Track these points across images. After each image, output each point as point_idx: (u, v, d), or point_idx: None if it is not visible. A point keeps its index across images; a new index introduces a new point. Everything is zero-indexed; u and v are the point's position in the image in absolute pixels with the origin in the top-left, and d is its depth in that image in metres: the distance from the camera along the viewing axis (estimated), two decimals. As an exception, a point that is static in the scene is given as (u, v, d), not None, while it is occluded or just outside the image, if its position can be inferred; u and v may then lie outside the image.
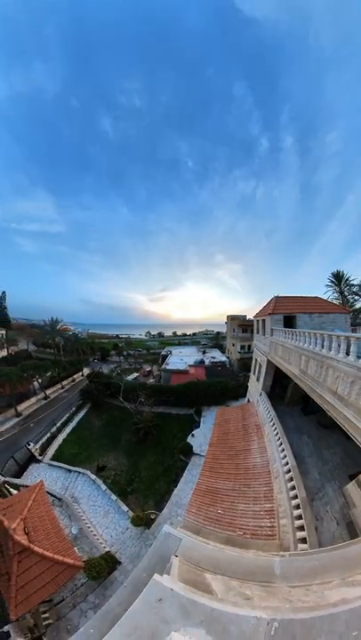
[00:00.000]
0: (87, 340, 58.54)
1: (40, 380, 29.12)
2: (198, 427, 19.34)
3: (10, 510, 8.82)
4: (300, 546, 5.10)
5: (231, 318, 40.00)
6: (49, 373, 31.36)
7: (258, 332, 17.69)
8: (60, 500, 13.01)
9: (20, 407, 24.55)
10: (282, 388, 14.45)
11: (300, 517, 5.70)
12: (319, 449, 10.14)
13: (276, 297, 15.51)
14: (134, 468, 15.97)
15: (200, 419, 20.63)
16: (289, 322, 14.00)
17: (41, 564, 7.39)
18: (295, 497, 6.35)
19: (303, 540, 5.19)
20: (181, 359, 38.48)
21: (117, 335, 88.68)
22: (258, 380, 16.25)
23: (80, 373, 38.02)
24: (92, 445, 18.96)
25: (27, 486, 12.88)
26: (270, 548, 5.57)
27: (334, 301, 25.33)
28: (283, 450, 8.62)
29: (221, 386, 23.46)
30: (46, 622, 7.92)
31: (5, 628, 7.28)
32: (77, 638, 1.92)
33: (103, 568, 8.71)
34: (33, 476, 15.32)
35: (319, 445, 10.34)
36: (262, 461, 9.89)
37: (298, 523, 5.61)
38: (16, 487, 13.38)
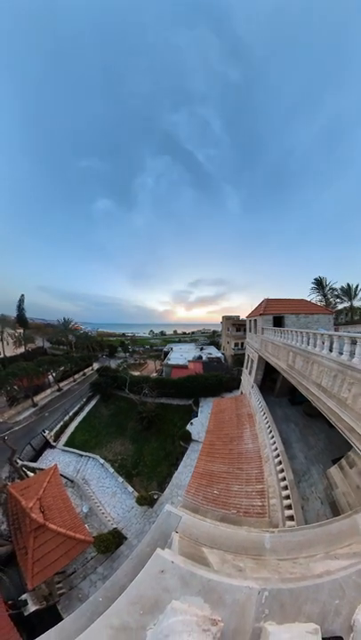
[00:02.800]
0: (96, 338, 58.40)
1: (54, 374, 29.12)
2: (196, 416, 19.32)
3: (27, 491, 8.86)
4: (288, 523, 5.08)
5: (226, 318, 40.02)
6: (62, 368, 31.34)
7: (250, 331, 17.67)
8: (72, 481, 13.00)
9: (37, 398, 24.53)
10: (271, 381, 14.42)
11: (287, 497, 5.68)
12: (305, 436, 10.13)
13: (267, 299, 15.54)
14: (139, 453, 15.92)
15: (198, 409, 20.60)
16: (278, 322, 14.02)
17: (55, 540, 7.42)
18: (283, 479, 6.33)
19: (291, 518, 5.17)
20: (181, 355, 38.49)
21: (124, 334, 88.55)
22: (250, 373, 16.21)
23: (90, 368, 37.94)
24: (101, 433, 18.90)
25: (42, 469, 12.87)
26: (261, 524, 5.55)
27: (318, 303, 25.41)
28: (272, 437, 8.60)
29: (217, 379, 23.40)
30: (60, 591, 7.95)
31: (23, 597, 7.30)
32: (87, 606, 1.92)
33: (111, 543, 8.72)
34: (48, 460, 15.34)
35: (305, 433, 10.33)
36: (254, 447, 9.86)
37: (286, 502, 5.59)
38: (32, 470, 13.39)
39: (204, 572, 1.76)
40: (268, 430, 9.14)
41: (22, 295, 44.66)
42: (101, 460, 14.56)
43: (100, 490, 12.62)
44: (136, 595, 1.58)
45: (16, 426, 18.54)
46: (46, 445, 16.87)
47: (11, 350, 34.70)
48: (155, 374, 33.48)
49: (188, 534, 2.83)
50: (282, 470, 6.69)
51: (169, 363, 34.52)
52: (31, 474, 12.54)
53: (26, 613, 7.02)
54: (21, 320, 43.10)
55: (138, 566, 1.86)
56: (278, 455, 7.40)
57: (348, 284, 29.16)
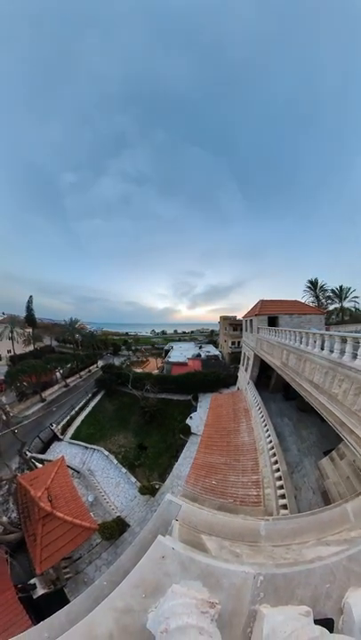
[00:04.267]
0: (101, 337, 58.32)
1: (61, 371, 28.98)
2: (195, 410, 19.25)
3: (36, 481, 8.84)
4: (282, 511, 5.08)
5: (223, 318, 39.92)
6: (69, 365, 31.17)
7: (246, 330, 17.62)
8: (78, 472, 12.98)
9: (45, 394, 24.46)
10: (266, 378, 14.40)
11: (281, 487, 5.68)
12: (298, 429, 10.12)
13: (262, 300, 15.54)
14: (141, 446, 15.86)
15: (197, 404, 20.54)
16: (272, 321, 14.01)
17: (62, 527, 7.43)
18: (277, 470, 6.33)
19: (284, 507, 5.17)
20: (181, 353, 38.36)
21: (127, 333, 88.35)
22: (246, 370, 16.15)
23: (95, 365, 37.89)
24: (105, 426, 18.84)
25: (50, 461, 12.85)
26: (256, 513, 5.55)
27: (311, 304, 25.46)
28: (267, 430, 8.59)
29: (215, 376, 23.33)
30: (67, 576, 7.95)
31: (32, 581, 7.30)
32: (93, 589, 1.92)
33: (115, 530, 8.71)
34: (55, 452, 15.33)
35: (298, 426, 10.32)
36: (250, 440, 9.83)
37: (280, 492, 5.59)
38: (41, 462, 13.39)
39: (202, 557, 1.73)
40: (263, 424, 9.13)
41: (31, 296, 44.69)
42: (106, 452, 14.54)
43: (105, 480, 12.60)
44: (139, 579, 1.58)
45: (25, 420, 18.45)
46: (54, 438, 16.89)
47: (20, 348, 34.42)
48: (156, 371, 33.17)
49: (188, 522, 2.83)
50: (276, 462, 6.69)
51: (170, 360, 34.37)
52: (40, 465, 12.52)
53: (35, 596, 7.03)
54: (30, 320, 43.01)
55: (140, 552, 1.84)
56: (273, 447, 7.40)
57: (341, 286, 29.25)
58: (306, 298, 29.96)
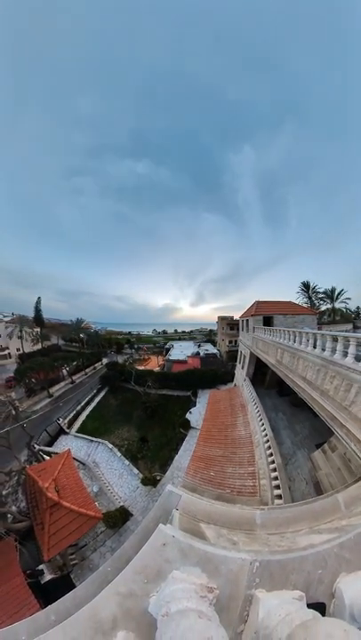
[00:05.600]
0: (105, 336, 58.28)
1: (68, 368, 28.98)
2: (195, 406, 19.20)
3: (43, 473, 8.85)
4: (277, 501, 5.06)
5: (221, 318, 39.82)
6: (75, 363, 31.18)
7: (243, 330, 17.57)
8: (83, 464, 12.98)
9: (52, 390, 24.44)
10: (262, 375, 14.38)
11: (276, 478, 5.66)
12: (292, 423, 10.10)
13: (257, 301, 15.54)
14: (143, 440, 15.80)
15: (196, 399, 20.48)
16: (267, 321, 14.00)
17: (68, 516, 7.44)
18: (272, 462, 6.31)
19: (279, 497, 5.15)
20: (181, 351, 38.26)
21: (130, 332, 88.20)
22: (243, 368, 16.07)
23: (100, 363, 37.72)
24: (109, 421, 18.76)
25: (57, 453, 12.77)
26: (252, 503, 5.54)
27: (304, 305, 25.48)
28: (262, 424, 8.55)
29: (213, 373, 23.31)
30: (73, 562, 7.94)
31: (40, 567, 7.30)
32: (97, 575, 1.92)
33: (118, 519, 8.68)
34: (62, 445, 15.29)
35: (292, 420, 10.30)
36: (246, 433, 9.81)
37: (275, 483, 5.58)
38: (48, 454, 13.34)
39: (201, 544, 1.72)
40: (259, 419, 9.10)
41: (39, 297, 44.71)
42: (110, 445, 14.49)
43: (109, 471, 12.54)
44: (141, 565, 1.56)
45: (34, 414, 18.37)
46: (60, 432, 16.89)
47: (29, 347, 34.66)
48: (157, 369, 33.10)
49: (188, 511, 2.83)
50: (271, 454, 6.67)
51: (170, 358, 34.38)
52: (47, 457, 12.49)
53: (42, 582, 7.03)
54: (38, 320, 43.05)
55: (142, 540, 1.78)
56: (268, 441, 7.38)
57: (333, 288, 29.33)
58: (299, 299, 30.11)
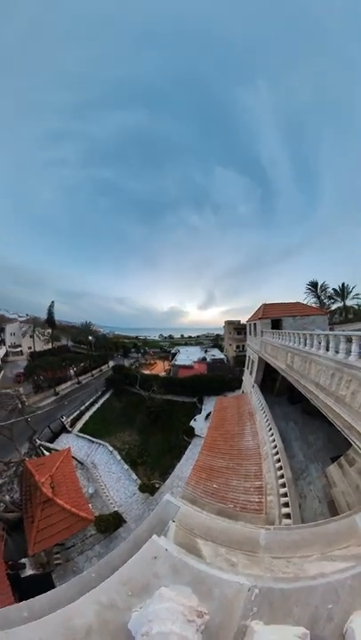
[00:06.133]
0: (113, 340, 59.41)
1: (75, 369, 29.72)
2: (200, 413, 18.74)
3: (41, 467, 8.89)
4: (285, 521, 4.62)
5: (228, 323, 39.28)
6: (82, 364, 31.96)
7: (250, 334, 17.11)
8: (82, 464, 12.95)
9: (58, 388, 25.05)
10: (271, 381, 13.75)
11: (285, 495, 5.20)
12: (304, 434, 9.42)
13: (264, 304, 15.10)
14: (145, 445, 15.59)
15: (202, 406, 20.02)
16: (276, 324, 13.54)
17: (60, 514, 7.34)
18: (282, 476, 5.84)
19: (287, 516, 4.70)
20: (187, 357, 38.03)
21: (137, 336, 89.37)
22: (251, 374, 15.55)
23: (106, 365, 38.29)
24: (112, 423, 18.79)
25: (57, 450, 12.90)
26: (257, 521, 5.11)
27: (313, 305, 24.39)
28: (272, 434, 8.06)
29: (220, 379, 22.84)
30: (57, 562, 7.78)
31: (23, 560, 7.22)
32: (80, 579, 1.83)
33: (110, 524, 8.45)
34: (63, 442, 15.45)
35: (304, 431, 9.61)
36: (254, 444, 9.31)
37: (283, 500, 5.12)
38: (48, 450, 13.45)
39: (195, 562, 1.57)
40: (268, 428, 8.60)
41: (52, 302, 47.08)
42: (110, 448, 14.41)
43: (107, 474, 12.43)
44: (127, 576, 1.47)
45: (39, 410, 18.98)
46: (63, 430, 17.11)
47: (40, 346, 36.48)
48: (163, 373, 33.05)
49: (185, 524, 2.66)
50: (280, 468, 6.19)
51: (176, 363, 34.45)
52: (47, 453, 12.61)
53: (22, 575, 6.90)
54: (50, 322, 45.08)
55: (133, 549, 1.72)
56: (277, 453, 6.89)
57: (343, 284, 27.78)
58: (308, 299, 28.81)
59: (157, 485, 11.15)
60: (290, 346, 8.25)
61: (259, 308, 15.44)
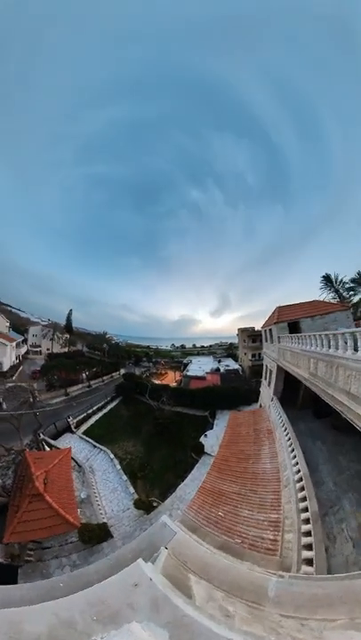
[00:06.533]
0: (125, 348, 61.36)
1: (87, 373, 31.00)
2: (211, 428, 17.40)
3: (39, 461, 8.97)
4: (305, 568, 3.47)
5: (242, 330, 37.70)
6: (94, 369, 33.29)
7: (266, 341, 15.93)
8: (80, 466, 12.75)
9: (70, 389, 26.21)
10: (293, 392, 12.11)
11: (308, 534, 4.00)
12: (335, 455, 7.67)
13: (278, 307, 14.14)
14: (148, 457, 14.72)
15: (214, 421, 18.64)
16: (294, 327, 12.38)
17: (46, 511, 7.25)
18: (305, 509, 4.61)
19: (309, 562, 3.54)
20: (200, 367, 36.87)
21: (149, 346, 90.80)
22: (269, 385, 14.08)
23: (117, 372, 39.03)
24: (117, 430, 18.47)
25: (58, 448, 13.03)
26: (269, 564, 3.96)
27: (332, 301, 21.68)
28: (294, 456, 6.78)
29: (235, 391, 21.25)
30: (28, 558, 7.44)
31: None
32: (46, 584, 1.63)
33: (95, 535, 7.90)
34: (65, 442, 15.56)
35: (334, 451, 7.85)
36: (272, 467, 7.92)
37: (305, 540, 3.92)
38: (50, 446, 13.67)
39: (181, 602, 1.33)
40: (290, 449, 7.35)
41: (70, 310, 51.96)
42: (111, 455, 13.98)
43: (103, 482, 11.94)
44: (98, 598, 1.30)
45: (48, 407, 19.73)
46: (67, 429, 17.35)
47: (58, 349, 39.88)
48: (174, 384, 32.44)
49: (178, 554, 2.23)
50: (304, 498, 4.95)
51: (188, 374, 33.51)
52: (47, 449, 12.81)
53: None
54: (68, 328, 49.32)
55: (113, 569, 1.60)
56: (301, 479, 5.64)
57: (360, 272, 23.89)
58: (324, 296, 25.60)
59: (155, 504, 10.12)
60: (311, 350, 7.35)
61: (273, 312, 14.55)
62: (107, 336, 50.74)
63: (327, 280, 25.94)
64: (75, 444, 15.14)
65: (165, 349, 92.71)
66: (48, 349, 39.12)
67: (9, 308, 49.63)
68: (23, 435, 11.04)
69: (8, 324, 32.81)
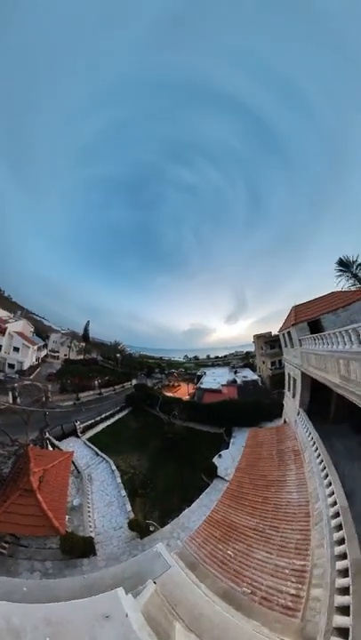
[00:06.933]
0: (138, 359, 62.33)
1: (100, 381, 31.88)
2: (227, 447, 15.41)
3: (40, 458, 9.24)
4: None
5: (258, 337, 35.00)
6: (107, 377, 34.17)
7: (286, 346, 14.41)
8: (79, 472, 12.45)
9: (81, 395, 27.17)
10: (324, 403, 10.08)
11: (345, 591, 2.61)
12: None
13: (295, 306, 12.86)
14: (152, 474, 13.47)
15: (230, 439, 16.58)
16: (315, 327, 10.99)
17: (33, 509, 7.18)
18: (343, 556, 3.20)
19: (343, 633, 2.19)
20: (215, 379, 34.85)
21: (161, 357, 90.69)
22: (294, 396, 12.20)
23: (129, 382, 39.12)
24: (122, 441, 17.75)
25: (61, 450, 13.22)
26: (285, 628, 2.64)
27: (352, 288, 18.38)
28: (329, 483, 5.28)
29: (254, 405, 19.03)
30: (1, 550, 7.26)
31: None
32: (7, 582, 1.48)
33: (77, 548, 7.41)
34: (69, 445, 15.68)
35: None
36: (300, 498, 6.35)
37: (340, 600, 2.55)
38: (53, 446, 14.03)
39: None
40: (324, 474, 5.89)
41: (88, 321, 57.23)
42: (113, 467, 13.25)
43: (99, 493, 11.26)
44: (59, 618, 1.20)
45: (58, 408, 20.43)
46: (73, 433, 17.54)
47: (74, 356, 43.34)
48: (187, 397, 31.00)
49: (168, 593, 1.93)
50: (342, 540, 3.52)
51: (202, 386, 32.16)
52: (51, 448, 13.11)
53: None
54: (85, 337, 53.52)
55: (86, 591, 1.55)
56: (338, 514, 4.17)
57: None
58: (342, 283, 21.96)
59: (152, 528, 8.92)
60: (340, 350, 6.23)
61: (289, 313, 13.39)
62: (120, 346, 52.66)
63: (342, 265, 22.88)
64: (78, 449, 15.04)
65: (178, 361, 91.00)
66: (65, 355, 42.17)
67: (34, 316, 56.26)
68: (30, 430, 11.51)
69: (32, 330, 36.76)
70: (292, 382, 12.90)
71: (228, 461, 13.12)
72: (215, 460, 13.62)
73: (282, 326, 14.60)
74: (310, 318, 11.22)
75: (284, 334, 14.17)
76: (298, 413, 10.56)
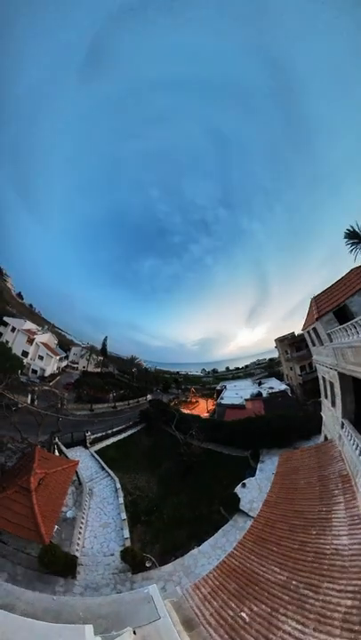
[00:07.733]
0: (154, 374, 62.74)
1: (115, 394, 32.71)
2: (253, 475, 13.23)
3: (45, 461, 9.60)
4: None
5: (280, 340, 31.83)
6: (122, 391, 35.01)
7: (314, 345, 12.62)
8: (80, 483, 12.28)
9: (95, 406, 28.17)
10: None
11: None
12: None
13: (314, 298, 11.50)
14: (161, 500, 12.11)
15: (257, 464, 14.29)
16: (342, 315, 9.43)
17: (24, 509, 7.24)
18: None
19: None
20: (236, 393, 31.82)
21: (178, 372, 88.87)
22: (333, 404, 10.10)
23: (144, 397, 39.03)
24: (132, 459, 16.93)
25: (67, 457, 13.59)
26: None
27: None
28: None
29: (285, 421, 16.24)
30: None
31: None
32: None
33: (57, 565, 6.90)
34: (76, 454, 15.73)
35: None
36: (352, 544, 4.73)
37: None
38: (60, 452, 14.57)
39: None
40: None
41: (106, 337, 61.21)
42: (118, 485, 12.55)
43: (97, 511, 10.70)
44: (8, 634, 1.27)
45: (71, 417, 21.27)
46: (82, 442, 17.81)
47: (92, 368, 46.67)
48: (206, 414, 29.26)
49: None
50: None
51: (222, 402, 29.44)
52: (57, 454, 13.60)
53: None
54: (103, 351, 57.26)
55: (53, 617, 1.47)
56: None
57: None
58: (359, 256, 18.49)
59: (148, 564, 7.67)
60: None
61: (310, 307, 12.13)
62: (136, 361, 54.36)
63: (353, 236, 19.95)
64: (84, 460, 15.08)
65: (196, 375, 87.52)
66: (84, 367, 46.11)
67: (59, 330, 64.54)
68: (41, 432, 12.23)
69: (56, 342, 42.31)
70: (328, 387, 10.77)
71: (254, 492, 11.27)
72: (238, 489, 11.73)
73: (305, 323, 13.10)
74: (335, 306, 9.79)
75: (309, 332, 12.54)
76: (342, 426, 8.46)
